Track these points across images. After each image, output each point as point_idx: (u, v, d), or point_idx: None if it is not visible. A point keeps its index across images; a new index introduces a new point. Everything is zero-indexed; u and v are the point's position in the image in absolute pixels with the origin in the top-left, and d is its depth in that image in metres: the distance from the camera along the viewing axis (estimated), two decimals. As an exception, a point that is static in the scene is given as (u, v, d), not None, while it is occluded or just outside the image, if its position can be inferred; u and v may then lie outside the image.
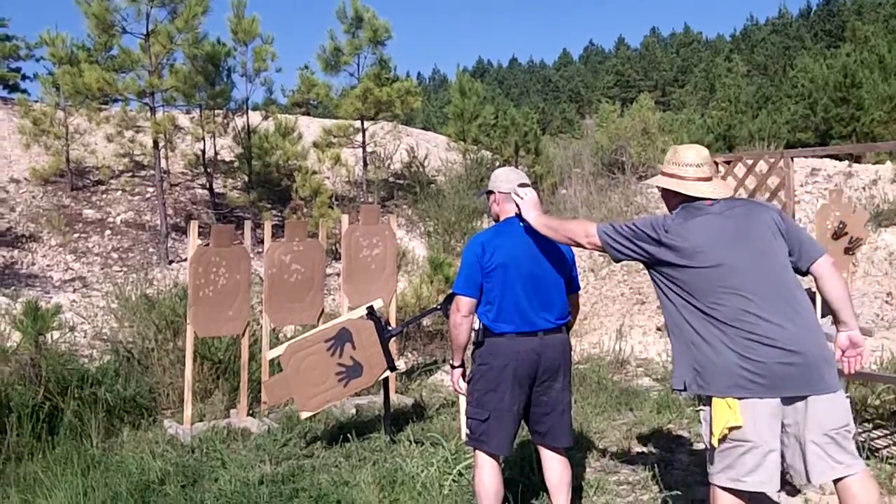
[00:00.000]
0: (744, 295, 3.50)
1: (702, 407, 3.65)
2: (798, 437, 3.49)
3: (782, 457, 3.54)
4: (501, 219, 4.56)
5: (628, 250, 3.76)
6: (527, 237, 4.37)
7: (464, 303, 4.35)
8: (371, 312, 6.46)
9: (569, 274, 4.49)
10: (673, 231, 3.64)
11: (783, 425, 3.49)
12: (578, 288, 4.62)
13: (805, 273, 3.69)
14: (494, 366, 4.29)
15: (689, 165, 3.77)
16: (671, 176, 3.83)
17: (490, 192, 4.61)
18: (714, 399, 3.50)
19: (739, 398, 3.43)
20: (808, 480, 3.55)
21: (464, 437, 4.66)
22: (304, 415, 6.46)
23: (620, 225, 3.82)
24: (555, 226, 4.13)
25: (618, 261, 3.84)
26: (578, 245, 3.99)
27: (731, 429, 3.44)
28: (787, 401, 3.46)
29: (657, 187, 3.93)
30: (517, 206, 4.30)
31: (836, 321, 3.70)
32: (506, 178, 4.54)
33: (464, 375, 4.60)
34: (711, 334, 3.52)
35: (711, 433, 3.51)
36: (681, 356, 3.65)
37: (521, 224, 4.40)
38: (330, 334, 6.39)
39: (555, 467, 4.46)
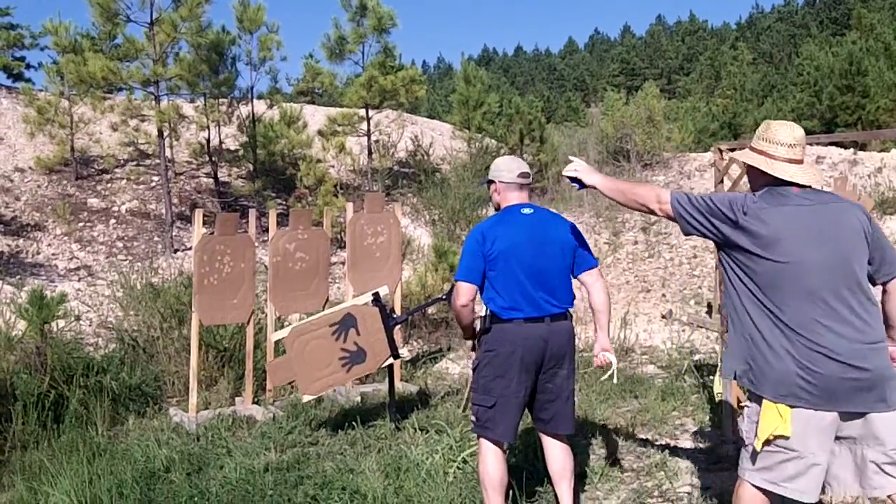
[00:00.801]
0: (816, 301, 3.27)
1: (747, 403, 3.48)
2: (853, 450, 3.34)
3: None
4: (502, 207, 4.55)
5: (701, 226, 3.49)
6: (528, 224, 4.38)
7: (464, 289, 4.34)
8: (376, 299, 6.47)
9: (573, 257, 4.45)
10: (752, 214, 3.37)
11: (837, 437, 3.31)
12: (595, 262, 4.53)
13: (876, 284, 3.49)
14: (501, 352, 4.28)
15: (781, 144, 3.47)
16: (759, 153, 3.53)
17: (491, 182, 4.61)
18: (765, 401, 3.31)
19: (792, 406, 3.25)
20: (861, 490, 3.38)
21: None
22: (306, 398, 6.48)
23: (697, 197, 3.54)
24: (624, 189, 3.85)
25: (687, 234, 3.59)
26: (649, 211, 3.69)
27: (777, 436, 3.27)
28: (846, 416, 3.27)
29: (742, 163, 3.67)
30: (571, 179, 4.07)
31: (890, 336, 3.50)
32: (507, 168, 4.55)
33: (475, 348, 4.61)
34: (774, 336, 3.31)
35: (756, 435, 3.33)
36: (736, 346, 3.48)
37: (522, 212, 4.43)
38: (335, 319, 6.40)
39: (557, 455, 4.48)
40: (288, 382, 7.01)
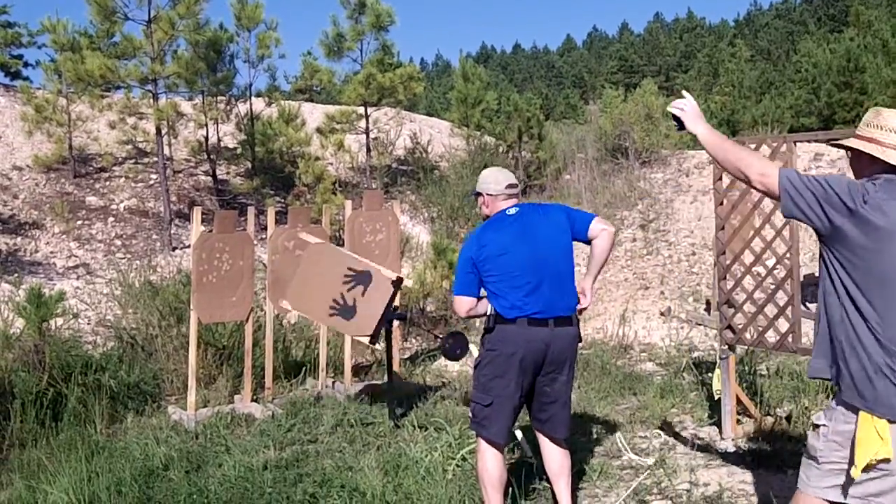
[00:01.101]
0: None
1: (833, 406, 3.16)
2: None
3: None
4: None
5: (809, 211, 3.06)
6: (516, 223, 4.43)
7: (461, 303, 4.45)
8: (398, 282, 6.49)
9: (571, 231, 4.46)
10: (873, 204, 2.99)
11: None
12: (592, 215, 4.58)
13: None
14: (503, 352, 4.29)
15: (892, 131, 3.16)
16: (868, 140, 3.20)
17: (479, 194, 4.64)
18: (862, 414, 2.99)
19: (891, 422, 2.95)
20: None
21: None
22: (284, 303, 6.60)
23: (809, 178, 3.10)
24: (727, 147, 3.38)
25: (789, 215, 3.14)
26: (745, 180, 3.26)
27: (879, 460, 2.95)
28: None
29: (846, 150, 3.37)
30: (677, 119, 3.62)
31: None
32: (494, 180, 4.58)
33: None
34: (877, 353, 3.00)
35: (853, 463, 2.99)
36: (825, 347, 3.20)
37: (508, 213, 4.47)
38: (357, 267, 6.47)
39: (554, 454, 4.50)
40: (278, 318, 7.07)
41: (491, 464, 4.35)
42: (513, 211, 4.49)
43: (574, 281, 4.47)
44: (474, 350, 4.92)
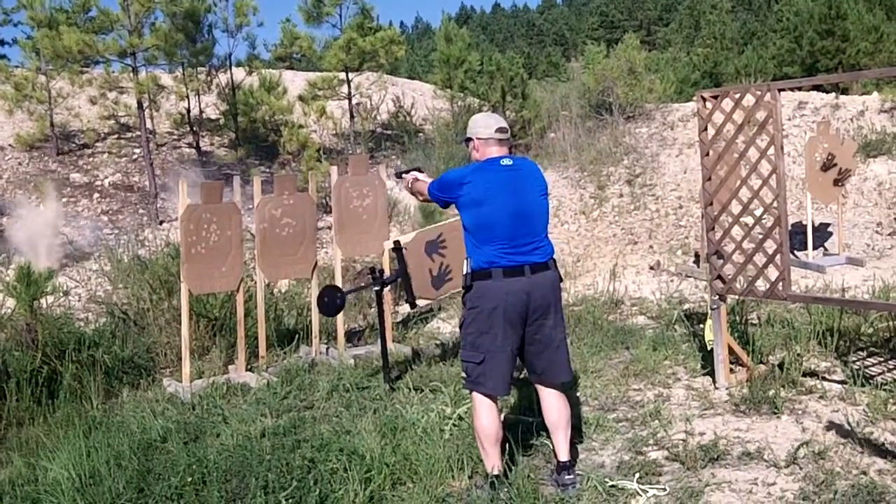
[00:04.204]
0: None
1: None
2: None
3: None
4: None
5: None
6: (507, 173, 4.38)
7: (429, 190, 4.67)
8: (397, 247, 6.71)
9: (548, 207, 4.55)
10: None
11: None
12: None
13: None
14: (484, 308, 4.29)
15: None
16: None
17: (469, 140, 4.59)
18: None
19: None
20: None
21: None
22: (422, 302, 7.08)
23: None
24: None
25: None
26: None
27: None
28: None
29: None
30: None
31: None
32: (484, 124, 4.53)
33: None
34: None
35: None
36: None
37: (502, 163, 4.41)
38: (444, 240, 6.94)
39: (553, 404, 4.50)
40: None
41: (487, 420, 4.36)
42: (507, 162, 4.43)
43: (547, 229, 4.51)
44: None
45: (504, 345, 4.31)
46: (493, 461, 4.39)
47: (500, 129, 4.51)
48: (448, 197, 4.54)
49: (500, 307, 4.26)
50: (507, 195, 4.32)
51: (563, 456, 4.47)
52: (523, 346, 4.42)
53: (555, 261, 4.49)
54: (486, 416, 4.37)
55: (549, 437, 4.61)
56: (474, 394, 4.42)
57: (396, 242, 6.61)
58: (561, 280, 4.55)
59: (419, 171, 5.10)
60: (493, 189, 4.33)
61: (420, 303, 6.94)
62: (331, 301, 6.67)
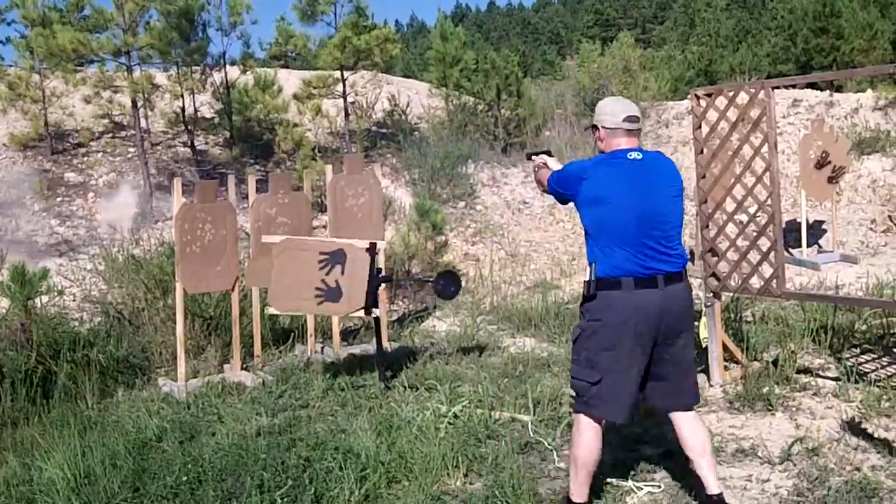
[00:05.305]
0: None
1: None
2: None
3: None
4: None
5: None
6: (635, 169, 3.87)
7: (544, 180, 4.21)
8: (372, 249, 6.49)
9: (683, 209, 4.04)
10: None
11: None
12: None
13: None
14: (610, 322, 3.78)
15: None
16: None
17: (594, 128, 4.07)
18: None
19: None
20: None
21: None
22: (270, 310, 6.64)
23: None
24: None
25: None
26: None
27: None
28: None
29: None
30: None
31: None
32: (611, 111, 3.99)
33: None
34: None
35: None
36: None
37: (629, 157, 3.90)
38: (326, 249, 6.48)
39: (692, 428, 3.96)
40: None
41: (592, 444, 3.89)
42: (636, 155, 3.91)
43: (681, 232, 4.04)
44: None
45: (629, 365, 3.81)
46: (582, 490, 3.97)
47: (629, 118, 3.97)
48: (565, 192, 4.04)
49: (630, 322, 3.76)
50: (632, 194, 3.81)
51: (714, 488, 3.90)
52: (648, 366, 3.90)
53: (686, 270, 4.02)
54: (593, 439, 3.90)
55: (691, 464, 4.04)
56: (579, 416, 3.94)
57: (372, 244, 6.59)
58: (691, 290, 4.08)
59: (549, 154, 4.56)
60: (615, 186, 3.82)
61: (272, 311, 6.72)
62: (448, 285, 6.62)
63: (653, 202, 3.84)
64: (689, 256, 3.99)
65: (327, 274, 6.42)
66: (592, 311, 3.86)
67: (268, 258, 7.13)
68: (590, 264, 3.89)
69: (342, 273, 6.43)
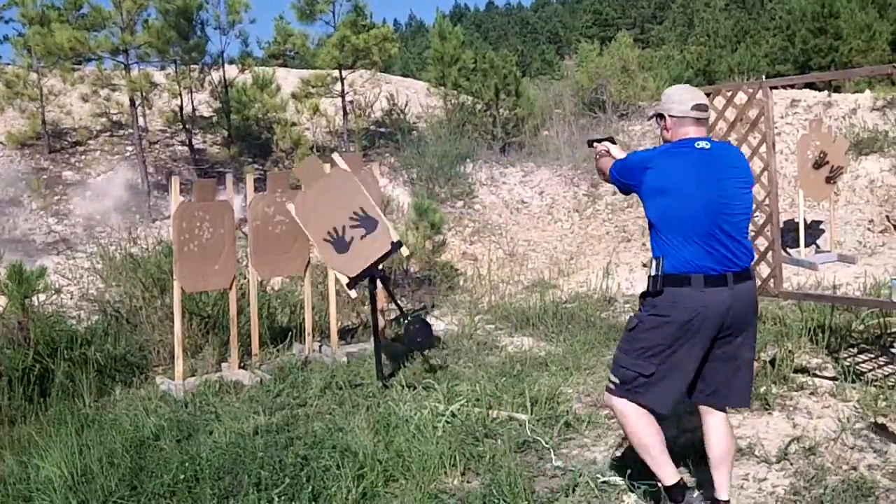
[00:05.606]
0: None
1: None
2: None
3: None
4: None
5: None
6: (703, 160, 3.71)
7: (607, 168, 4.06)
8: (397, 245, 6.57)
9: (752, 202, 3.90)
10: None
11: None
12: None
13: None
14: (675, 320, 3.64)
15: None
16: None
17: (660, 116, 3.91)
18: None
19: None
20: None
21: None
22: (289, 205, 6.68)
23: None
24: None
25: None
26: None
27: None
28: None
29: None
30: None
31: None
32: (679, 99, 3.84)
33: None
34: None
35: None
36: None
37: (697, 146, 3.74)
38: (369, 211, 6.53)
39: (719, 432, 3.87)
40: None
41: (648, 429, 3.77)
42: (704, 145, 3.75)
43: (748, 228, 3.88)
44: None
45: (686, 363, 3.71)
46: (666, 469, 3.81)
47: (697, 106, 3.81)
48: (628, 182, 3.90)
49: (696, 321, 3.63)
50: (699, 184, 3.66)
51: (724, 495, 3.86)
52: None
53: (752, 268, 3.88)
54: (647, 424, 3.77)
55: (709, 468, 3.95)
56: (621, 402, 3.81)
57: (399, 241, 6.59)
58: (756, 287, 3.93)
59: (612, 141, 4.39)
60: (681, 177, 3.67)
61: (290, 208, 6.66)
62: (424, 334, 6.59)
63: (721, 194, 3.68)
64: (754, 255, 3.82)
65: (351, 227, 6.47)
66: (658, 305, 3.71)
67: (276, 252, 7.17)
68: (655, 258, 3.74)
69: (361, 238, 6.47)
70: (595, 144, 4.42)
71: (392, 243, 6.49)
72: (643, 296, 3.83)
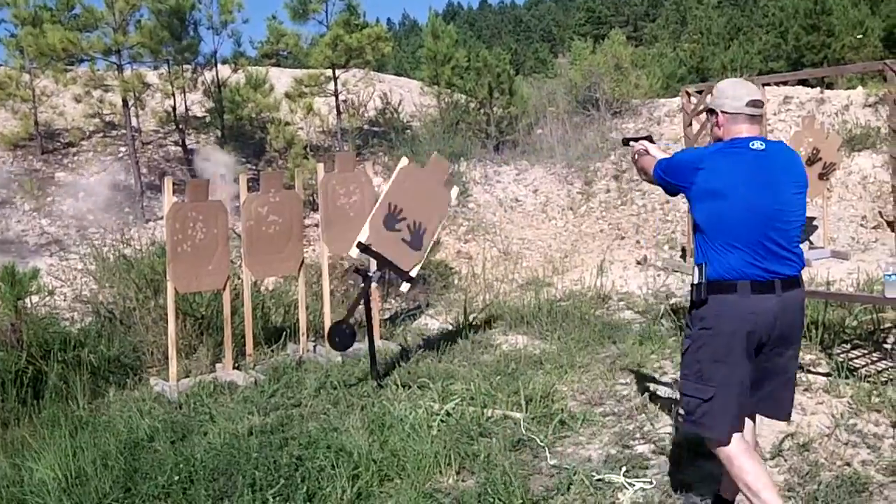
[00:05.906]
0: None
1: None
2: None
3: None
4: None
5: None
6: (757, 161, 3.49)
7: (650, 168, 3.86)
8: (411, 278, 6.84)
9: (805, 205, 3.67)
10: None
11: None
12: None
13: None
14: (723, 331, 3.46)
15: None
16: None
17: (712, 112, 3.68)
18: None
19: None
20: None
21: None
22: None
23: None
24: None
25: None
26: None
27: None
28: None
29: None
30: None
31: None
32: (733, 94, 3.59)
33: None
34: None
35: None
36: None
37: (752, 146, 3.52)
38: (396, 205, 6.77)
39: (747, 436, 3.68)
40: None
41: (750, 464, 3.46)
42: (759, 145, 3.52)
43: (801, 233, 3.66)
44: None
45: (741, 378, 3.50)
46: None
47: (752, 102, 3.57)
48: (677, 182, 3.66)
49: (743, 331, 3.45)
50: (753, 188, 3.45)
51: (732, 497, 3.86)
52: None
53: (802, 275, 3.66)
54: (748, 460, 3.48)
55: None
56: (711, 440, 3.58)
57: (359, 244, 6.58)
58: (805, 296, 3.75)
59: (650, 140, 4.21)
60: (736, 178, 3.45)
61: (414, 272, 6.85)
62: (342, 336, 6.59)
63: (776, 198, 3.47)
64: (805, 261, 3.60)
65: (414, 226, 6.83)
66: (705, 317, 3.53)
67: (270, 251, 7.21)
68: (697, 265, 3.57)
69: (406, 242, 6.80)
70: (631, 143, 4.28)
71: (409, 276, 6.84)
72: (690, 309, 3.67)
